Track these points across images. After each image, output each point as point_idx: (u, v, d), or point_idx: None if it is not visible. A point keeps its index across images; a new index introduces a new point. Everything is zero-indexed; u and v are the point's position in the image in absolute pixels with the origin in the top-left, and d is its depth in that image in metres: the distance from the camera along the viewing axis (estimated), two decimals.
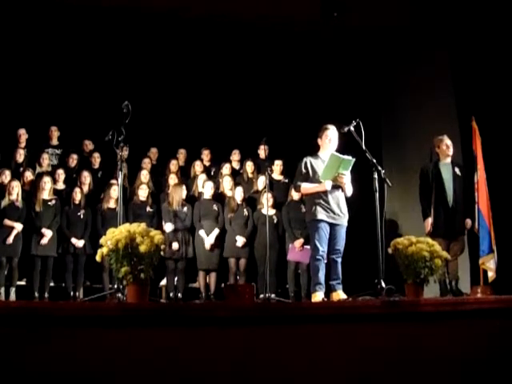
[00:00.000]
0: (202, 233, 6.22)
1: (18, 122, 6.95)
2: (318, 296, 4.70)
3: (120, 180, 4.64)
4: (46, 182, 6.11)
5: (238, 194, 6.42)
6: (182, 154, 7.39)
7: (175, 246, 6.10)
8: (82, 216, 6.16)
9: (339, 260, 4.84)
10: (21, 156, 6.63)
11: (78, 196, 6.19)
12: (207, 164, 7.35)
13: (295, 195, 6.21)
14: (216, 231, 6.25)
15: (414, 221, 6.37)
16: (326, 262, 4.82)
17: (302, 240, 5.99)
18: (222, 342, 2.98)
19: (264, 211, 6.03)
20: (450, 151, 5.79)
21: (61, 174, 6.50)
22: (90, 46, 7.48)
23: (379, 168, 4.45)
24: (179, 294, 6.13)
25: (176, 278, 6.21)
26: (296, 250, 5.99)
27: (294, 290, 6.19)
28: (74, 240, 6.06)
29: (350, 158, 4.73)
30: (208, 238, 6.20)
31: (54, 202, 6.10)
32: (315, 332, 3.14)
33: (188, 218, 6.27)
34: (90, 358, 2.77)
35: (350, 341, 3.20)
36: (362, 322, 3.24)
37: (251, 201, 6.62)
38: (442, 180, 5.70)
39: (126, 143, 4.69)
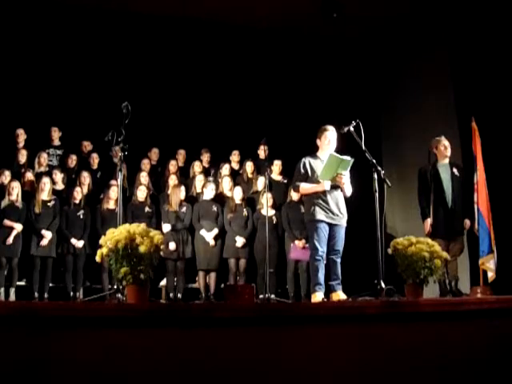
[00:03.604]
0: (203, 232, 6.22)
1: (17, 122, 6.94)
2: (318, 296, 4.70)
3: (119, 181, 4.64)
4: (46, 182, 6.10)
5: (237, 194, 6.42)
6: (181, 154, 7.38)
7: (172, 246, 6.11)
8: (81, 216, 6.16)
9: (338, 260, 4.83)
10: (23, 156, 6.63)
11: (78, 196, 6.19)
12: (206, 165, 7.34)
13: (294, 195, 6.20)
14: (215, 231, 6.26)
15: (413, 221, 6.37)
16: (325, 262, 4.82)
17: (303, 241, 5.99)
18: (222, 343, 2.97)
19: (264, 212, 6.03)
20: (448, 152, 5.80)
21: (60, 174, 6.48)
22: (89, 46, 7.49)
23: (379, 168, 4.45)
24: (179, 295, 6.13)
25: (176, 279, 6.22)
26: (298, 249, 5.98)
27: (294, 290, 6.19)
28: (73, 240, 6.06)
29: (348, 158, 4.72)
30: (209, 234, 6.20)
31: (53, 202, 6.09)
32: (315, 332, 3.14)
33: (187, 218, 6.27)
34: (90, 359, 2.77)
35: (349, 341, 3.19)
36: (361, 322, 3.24)
37: (251, 201, 6.62)
38: (440, 181, 5.70)
39: (125, 144, 4.69)
